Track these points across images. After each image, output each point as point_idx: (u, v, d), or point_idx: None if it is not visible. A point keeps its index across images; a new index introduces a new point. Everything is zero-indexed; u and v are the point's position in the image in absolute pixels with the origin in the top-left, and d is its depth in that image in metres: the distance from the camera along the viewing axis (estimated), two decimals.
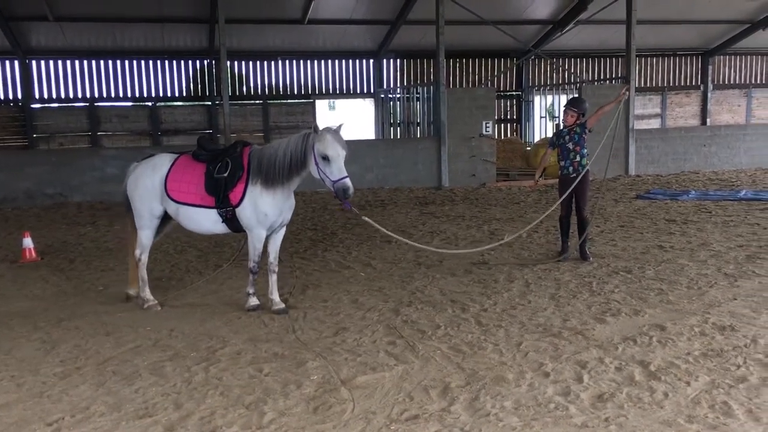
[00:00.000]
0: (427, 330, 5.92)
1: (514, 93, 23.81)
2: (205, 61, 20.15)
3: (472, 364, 5.08)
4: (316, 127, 6.13)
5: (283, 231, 6.70)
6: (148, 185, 6.64)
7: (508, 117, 23.86)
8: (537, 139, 22.07)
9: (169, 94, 20.07)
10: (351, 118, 25.09)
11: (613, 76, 23.53)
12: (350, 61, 21.58)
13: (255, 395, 4.62)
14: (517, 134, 23.71)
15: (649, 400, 4.37)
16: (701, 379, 4.66)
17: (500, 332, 5.82)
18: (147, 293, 6.83)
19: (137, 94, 19.77)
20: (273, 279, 6.62)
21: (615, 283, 7.38)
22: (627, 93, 8.73)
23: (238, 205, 6.33)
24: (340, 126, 6.30)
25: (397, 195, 15.45)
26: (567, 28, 20.56)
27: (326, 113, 25.09)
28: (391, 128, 20.30)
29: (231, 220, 6.43)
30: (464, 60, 22.73)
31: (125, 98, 19.72)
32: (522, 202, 14.12)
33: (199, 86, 20.27)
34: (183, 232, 10.97)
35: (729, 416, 4.10)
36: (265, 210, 6.33)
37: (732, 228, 10.31)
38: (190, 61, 20.12)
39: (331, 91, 21.63)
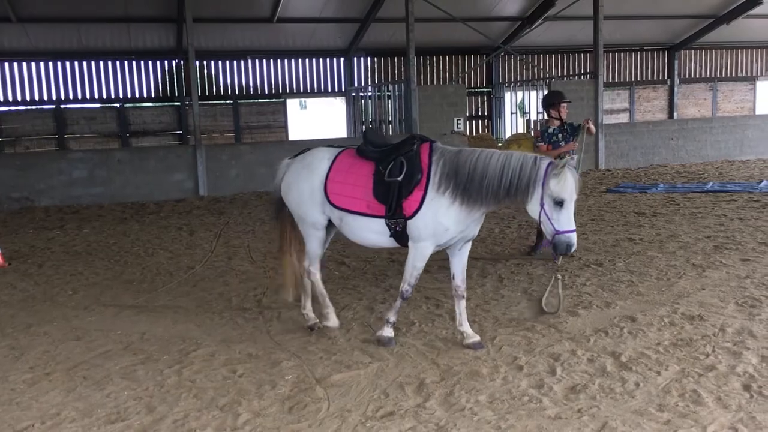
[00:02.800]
0: (402, 327, 5.93)
1: (484, 89, 23.94)
2: (174, 62, 19.93)
3: (447, 360, 5.10)
4: (552, 161, 4.93)
5: (469, 246, 5.50)
6: (305, 190, 5.58)
7: (479, 113, 23.99)
8: (508, 134, 22.20)
9: (137, 95, 19.81)
10: (322, 117, 25.11)
11: (582, 71, 23.78)
12: (321, 59, 21.51)
13: (229, 397, 4.59)
14: (488, 130, 23.84)
15: (621, 391, 4.43)
16: (671, 369, 4.74)
17: (474, 327, 5.84)
18: (331, 313, 5.82)
19: (105, 96, 19.49)
20: (462, 306, 5.46)
21: (587, 276, 7.46)
22: (589, 123, 8.44)
23: (413, 216, 5.14)
24: (576, 160, 5.18)
25: None
26: (535, 25, 20.71)
27: (297, 112, 24.97)
28: (363, 126, 20.28)
29: (401, 233, 5.26)
30: (435, 57, 22.79)
31: (92, 100, 19.41)
32: None
33: (168, 87, 20.05)
34: (152, 234, 10.93)
35: (699, 404, 4.17)
36: (448, 225, 5.13)
37: (700, 219, 10.48)
38: (158, 62, 19.88)
39: (302, 90, 21.54)
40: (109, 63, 19.43)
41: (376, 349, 5.41)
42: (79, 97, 19.29)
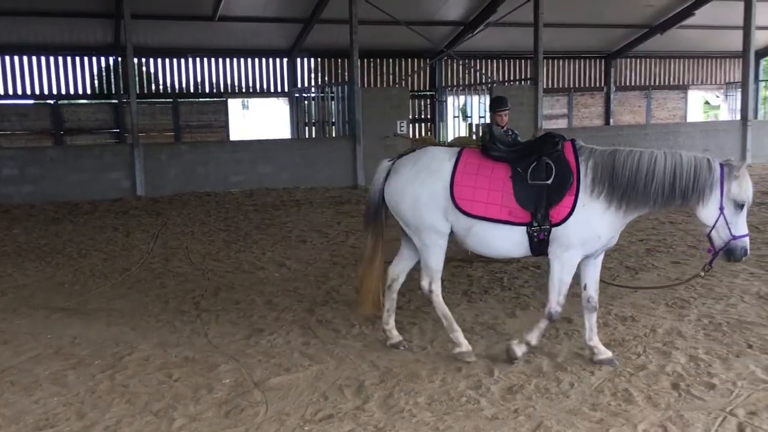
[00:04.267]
0: (342, 329, 5.91)
1: (427, 93, 24.13)
2: (111, 58, 19.42)
3: (387, 362, 5.11)
4: (729, 162, 4.62)
5: (602, 254, 5.16)
6: (423, 195, 4.99)
7: (422, 116, 24.17)
8: (450, 138, 22.44)
9: (72, 92, 19.23)
10: (265, 118, 24.86)
11: (523, 77, 24.22)
12: (263, 59, 21.30)
13: (164, 401, 4.48)
14: (431, 133, 24.04)
15: (556, 390, 4.51)
16: (605, 368, 4.85)
17: (414, 329, 5.88)
18: (458, 333, 5.20)
19: (38, 92, 18.84)
20: (593, 320, 5.03)
21: (525, 278, 7.59)
22: None
23: (562, 222, 4.72)
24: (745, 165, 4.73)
25: (313, 194, 15.36)
26: (478, 30, 21.00)
27: (239, 112, 24.68)
28: (306, 128, 20.17)
29: (542, 242, 4.82)
30: (379, 60, 22.86)
31: (25, 96, 18.75)
32: None
33: (105, 84, 19.52)
34: (86, 234, 10.61)
35: (630, 403, 4.28)
36: (601, 231, 4.76)
37: (634, 223, 10.71)
38: (94, 58, 19.35)
39: (244, 90, 21.30)
40: (43, 58, 18.81)
41: (315, 351, 5.38)
42: (11, 92, 18.59)
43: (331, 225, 11.30)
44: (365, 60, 21.95)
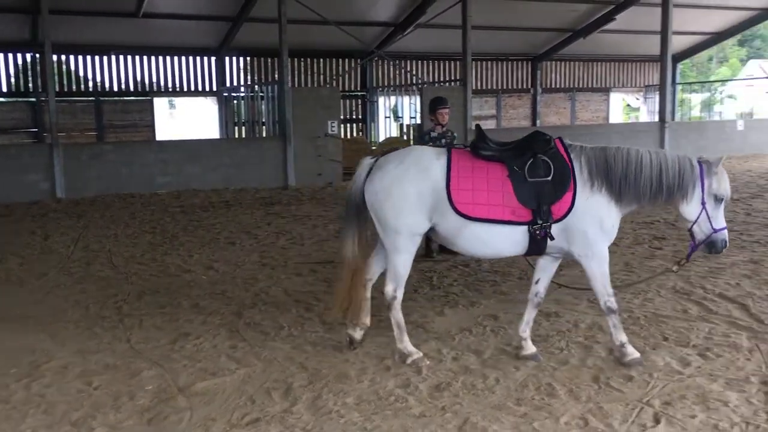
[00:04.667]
0: (271, 331, 5.84)
1: (358, 93, 24.17)
2: (29, 55, 18.64)
3: (315, 363, 5.07)
4: (706, 159, 4.85)
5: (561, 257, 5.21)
6: (412, 193, 4.81)
7: (354, 117, 24.19)
8: (382, 138, 22.53)
9: None
10: (192, 117, 24.37)
11: (452, 78, 24.54)
12: (191, 57, 20.89)
13: (83, 411, 4.32)
14: (362, 134, 24.09)
15: (482, 387, 4.58)
16: (529, 363, 4.95)
17: (343, 330, 5.85)
18: (407, 343, 5.06)
19: None
20: (533, 315, 5.17)
21: (454, 276, 7.68)
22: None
23: (563, 218, 4.75)
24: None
25: (243, 195, 15.15)
26: (408, 31, 21.17)
27: (166, 112, 24.11)
28: (236, 127, 19.88)
29: (541, 240, 4.81)
30: (309, 59, 22.76)
31: None
32: None
33: (22, 81, 18.72)
34: (1, 238, 10.13)
35: (553, 397, 4.39)
36: (613, 221, 4.85)
37: None
38: (11, 54, 18.53)
39: (170, 89, 20.82)
40: None
41: (243, 354, 5.29)
42: None
43: (261, 226, 11.17)
44: (295, 59, 21.81)
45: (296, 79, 22.14)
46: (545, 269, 5.16)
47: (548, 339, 5.47)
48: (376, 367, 4.98)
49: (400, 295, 5.03)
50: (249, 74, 21.79)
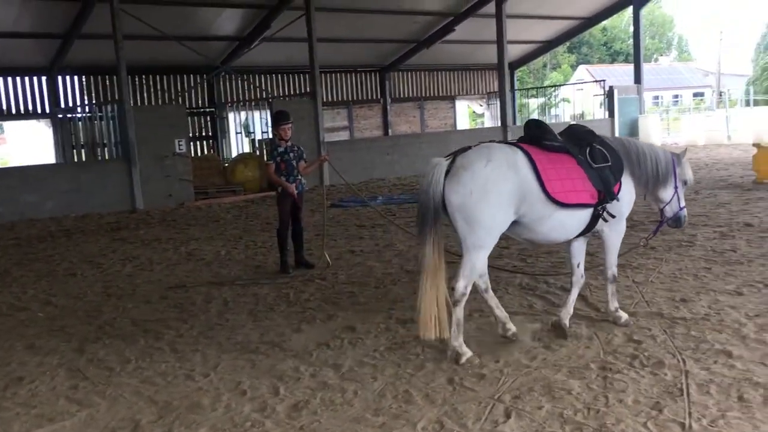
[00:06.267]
0: (116, 366, 5.47)
1: (207, 110, 23.54)
2: None
3: (166, 396, 4.81)
4: (675, 152, 5.89)
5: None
6: (508, 190, 4.91)
7: (203, 134, 23.52)
8: (234, 155, 22.05)
9: None
10: (24, 142, 22.65)
11: (302, 91, 24.52)
12: (18, 78, 19.40)
13: None
14: (213, 151, 23.46)
15: (341, 401, 4.53)
16: (387, 372, 4.97)
17: (197, 357, 5.61)
18: (462, 343, 5.06)
19: None
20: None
21: (311, 291, 7.59)
22: (327, 158, 9.11)
23: (617, 198, 5.37)
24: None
25: (86, 222, 14.23)
26: (254, 45, 20.92)
27: None
28: (75, 151, 18.67)
29: (598, 219, 5.35)
30: (152, 76, 21.91)
31: None
32: (222, 219, 13.95)
33: None
34: None
35: (410, 403, 4.41)
36: (633, 198, 5.64)
37: (412, 228, 11.29)
38: None
39: None
40: None
41: (85, 394, 4.91)
42: None
43: (105, 254, 10.52)
44: (136, 77, 20.90)
45: (138, 97, 21.21)
46: (581, 251, 5.71)
47: (404, 346, 5.52)
48: (231, 392, 4.79)
49: (468, 291, 5.06)
50: (86, 94, 20.56)
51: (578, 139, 5.41)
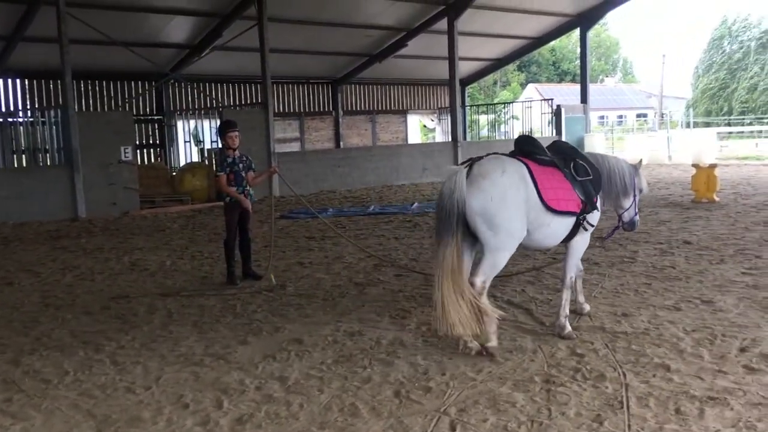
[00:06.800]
0: (53, 378, 5.30)
1: (155, 117, 23.15)
2: None
3: (105, 409, 4.67)
4: (633, 164, 6.42)
5: None
6: (520, 198, 5.36)
7: (151, 142, 23.10)
8: (182, 164, 21.72)
9: None
10: None
11: (253, 101, 24.35)
12: None
13: None
14: (161, 159, 23.05)
15: (286, 414, 4.47)
16: (334, 385, 4.94)
17: (138, 369, 5.47)
18: (494, 336, 5.37)
19: None
20: (579, 285, 6.50)
21: (258, 302, 7.50)
22: (276, 170, 9.39)
23: (596, 207, 5.91)
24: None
25: (24, 230, 13.79)
26: (204, 53, 20.69)
27: None
28: (15, 156, 18.07)
29: (579, 227, 5.80)
30: (99, 82, 21.46)
31: None
32: (168, 228, 13.70)
33: None
34: None
35: (356, 416, 4.39)
36: (599, 212, 6.09)
37: (362, 240, 11.32)
38: None
39: None
40: None
41: (20, 407, 4.74)
42: None
43: (45, 263, 10.20)
44: (82, 82, 20.45)
45: (84, 102, 20.74)
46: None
47: (352, 358, 5.50)
48: (173, 406, 4.69)
49: (487, 287, 5.40)
50: (29, 98, 19.98)
51: (564, 154, 5.88)
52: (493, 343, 5.35)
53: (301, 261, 9.75)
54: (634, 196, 6.31)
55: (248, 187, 8.57)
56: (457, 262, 5.24)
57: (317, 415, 4.45)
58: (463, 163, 5.55)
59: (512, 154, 5.74)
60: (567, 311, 5.87)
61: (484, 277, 5.36)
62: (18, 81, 19.87)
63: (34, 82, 20.20)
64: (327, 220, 13.98)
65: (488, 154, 5.64)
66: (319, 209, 15.62)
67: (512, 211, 5.31)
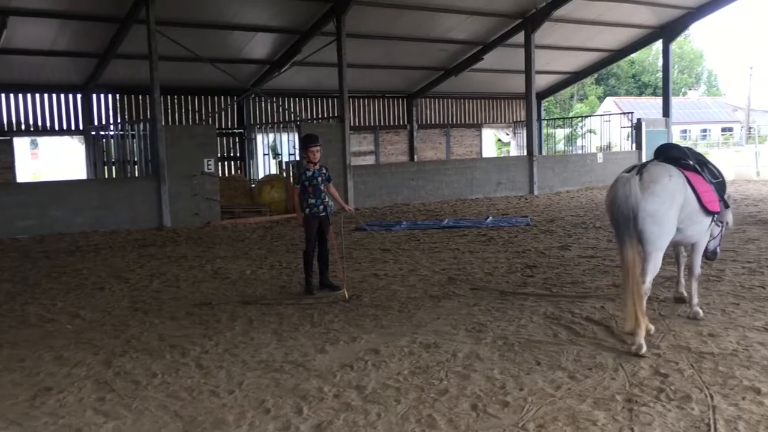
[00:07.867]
0: (143, 380, 5.54)
1: (236, 131, 23.86)
2: None
3: (191, 411, 4.85)
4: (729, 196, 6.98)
5: None
6: (680, 201, 6.00)
7: (232, 155, 23.81)
8: (261, 176, 22.28)
9: None
10: (57, 157, 23.10)
11: (330, 115, 24.76)
12: (54, 95, 19.86)
13: None
14: (241, 172, 23.72)
15: (364, 423, 4.54)
16: (410, 396, 4.97)
17: (221, 373, 5.66)
18: (642, 320, 5.83)
19: None
20: (697, 284, 6.90)
21: (335, 312, 7.63)
22: (351, 210, 9.81)
23: (728, 205, 6.69)
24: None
25: (114, 238, 14.45)
26: (284, 69, 21.21)
27: (27, 152, 22.73)
28: (105, 167, 18.99)
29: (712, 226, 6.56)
30: (184, 96, 22.29)
31: None
32: (247, 238, 14.08)
33: None
34: None
35: (433, 428, 4.41)
36: None
37: (437, 254, 11.33)
38: None
39: (32, 128, 19.65)
40: None
41: (112, 406, 4.98)
42: None
43: (133, 269, 10.67)
44: (169, 97, 21.30)
45: (170, 116, 21.59)
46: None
47: (428, 370, 5.52)
48: (255, 410, 4.83)
49: (650, 281, 5.95)
50: (119, 112, 20.98)
51: (695, 159, 6.46)
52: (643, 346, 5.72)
53: (376, 273, 9.85)
54: (721, 227, 6.74)
55: (326, 199, 8.75)
56: (637, 259, 5.78)
57: (394, 425, 4.50)
58: (629, 171, 6.06)
59: (663, 161, 6.30)
60: (697, 299, 6.72)
61: (650, 277, 5.90)
62: (109, 96, 20.87)
63: (125, 96, 21.18)
64: (401, 232, 14.06)
65: (647, 162, 6.22)
66: (394, 222, 15.73)
67: (674, 212, 5.90)
